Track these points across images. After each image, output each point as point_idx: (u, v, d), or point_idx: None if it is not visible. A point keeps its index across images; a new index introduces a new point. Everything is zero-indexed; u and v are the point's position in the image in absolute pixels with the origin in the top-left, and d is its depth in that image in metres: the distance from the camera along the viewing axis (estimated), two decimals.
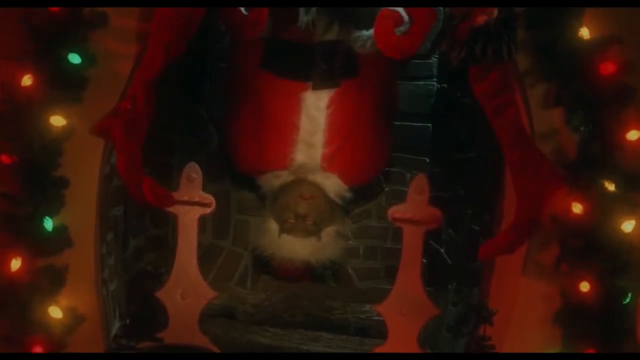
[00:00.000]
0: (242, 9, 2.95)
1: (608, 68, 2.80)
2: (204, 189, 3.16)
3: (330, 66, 3.36)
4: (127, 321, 3.34)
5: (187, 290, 3.19)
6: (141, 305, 3.41)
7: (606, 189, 2.83)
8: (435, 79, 3.74)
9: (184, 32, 2.77)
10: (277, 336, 3.46)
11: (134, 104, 2.80)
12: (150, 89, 2.81)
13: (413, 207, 3.11)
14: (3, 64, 2.91)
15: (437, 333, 3.54)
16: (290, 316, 3.59)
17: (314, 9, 3.16)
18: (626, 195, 2.82)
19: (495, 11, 2.59)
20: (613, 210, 2.81)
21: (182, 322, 3.18)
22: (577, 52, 2.81)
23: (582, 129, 2.86)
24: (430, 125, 3.78)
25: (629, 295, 2.84)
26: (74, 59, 2.91)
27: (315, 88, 3.38)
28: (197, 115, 3.84)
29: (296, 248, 3.53)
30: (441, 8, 3.14)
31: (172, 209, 3.14)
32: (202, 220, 3.23)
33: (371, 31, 3.05)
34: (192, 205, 3.15)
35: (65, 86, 2.94)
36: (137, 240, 3.66)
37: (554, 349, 2.91)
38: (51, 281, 3.00)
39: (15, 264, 2.96)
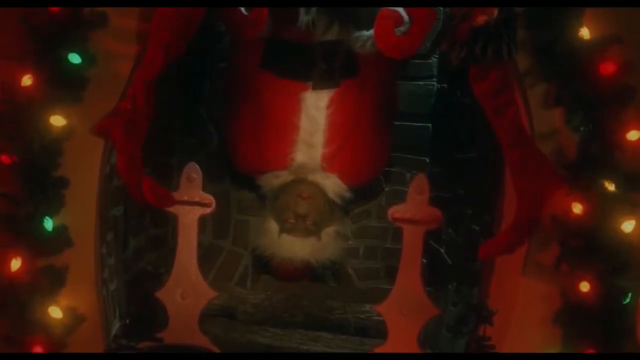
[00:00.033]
0: (242, 9, 2.95)
1: (608, 68, 2.80)
2: (204, 189, 3.16)
3: (330, 66, 3.36)
4: (127, 321, 3.34)
5: (187, 290, 3.19)
6: (141, 305, 3.41)
7: (606, 189, 2.83)
8: (435, 79, 3.74)
9: (184, 32, 2.77)
10: (277, 336, 3.46)
11: (134, 104, 2.80)
12: (150, 89, 2.81)
13: (413, 207, 3.11)
14: (3, 64, 2.91)
15: (437, 333, 3.54)
16: (290, 316, 3.59)
17: (314, 9, 3.16)
18: (626, 195, 2.82)
19: (495, 11, 2.59)
20: (613, 210, 2.81)
21: (182, 322, 3.18)
22: (577, 52, 2.81)
23: (582, 129, 2.86)
24: (430, 125, 3.78)
25: (629, 295, 2.84)
26: (74, 59, 2.91)
27: (315, 88, 3.37)
28: (197, 115, 3.84)
29: (296, 248, 3.53)
30: (441, 8, 3.14)
31: (172, 209, 3.14)
32: (202, 220, 3.23)
33: (371, 31, 3.05)
34: (192, 205, 3.15)
35: (65, 86, 2.94)
36: (137, 240, 3.66)
37: (554, 349, 2.91)
38: (51, 281, 3.00)
39: (15, 264, 2.96)
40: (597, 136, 2.84)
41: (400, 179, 3.76)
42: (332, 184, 3.49)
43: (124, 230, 3.48)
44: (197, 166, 3.16)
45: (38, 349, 2.97)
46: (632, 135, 2.82)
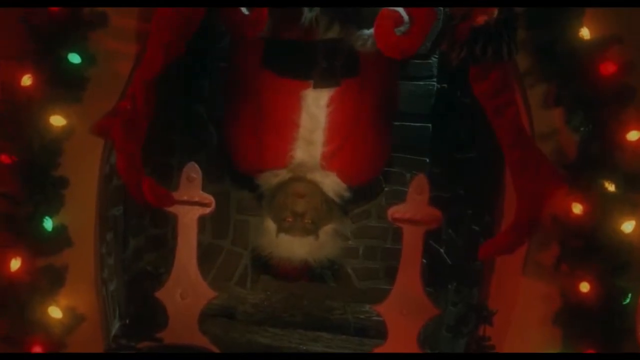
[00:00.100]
0: (243, 8, 2.95)
1: (608, 68, 2.80)
2: (204, 188, 3.16)
3: (331, 65, 3.36)
4: (127, 321, 3.34)
5: (186, 290, 3.18)
6: (141, 305, 3.40)
7: (606, 189, 2.83)
8: (435, 79, 3.74)
9: (184, 32, 2.77)
10: (276, 336, 3.46)
11: (133, 103, 2.80)
12: (150, 88, 2.81)
13: (413, 207, 3.11)
14: (3, 64, 2.91)
15: (437, 333, 3.53)
16: (289, 316, 3.59)
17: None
18: (626, 196, 2.82)
19: (495, 11, 2.58)
20: (613, 211, 2.81)
21: (182, 322, 3.17)
22: (577, 52, 2.80)
23: (582, 129, 2.86)
24: (430, 125, 3.78)
25: (629, 295, 2.84)
26: (74, 58, 2.91)
27: (316, 87, 3.38)
28: (197, 115, 3.84)
29: (294, 247, 3.52)
30: (441, 8, 3.13)
31: (171, 209, 3.14)
32: (202, 220, 3.23)
33: (372, 30, 3.05)
34: (192, 205, 3.15)
35: (65, 86, 2.94)
36: (137, 240, 3.66)
37: (554, 349, 2.91)
38: (51, 281, 3.00)
39: (15, 263, 2.96)
40: (597, 136, 2.83)
41: (400, 179, 3.75)
42: (331, 183, 3.49)
43: (123, 230, 3.48)
44: (197, 166, 3.16)
45: (38, 349, 2.97)
46: (632, 135, 2.82)
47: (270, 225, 3.56)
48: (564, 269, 2.88)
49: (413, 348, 3.13)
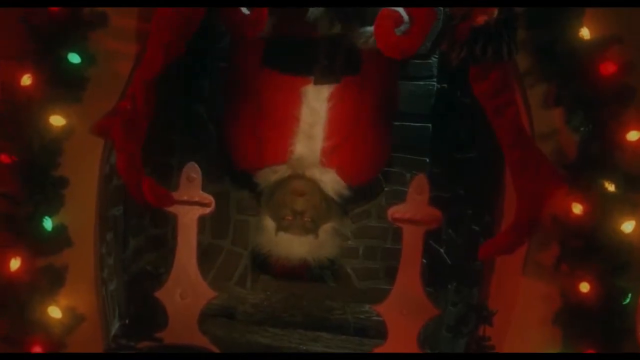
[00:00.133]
0: (243, 8, 2.95)
1: (608, 68, 2.80)
2: (204, 188, 3.16)
3: (332, 62, 3.36)
4: (127, 321, 3.35)
5: (186, 290, 3.18)
6: (141, 305, 3.40)
7: (606, 189, 2.83)
8: (435, 79, 3.74)
9: (184, 32, 2.77)
10: (276, 336, 3.46)
11: (133, 103, 2.80)
12: (150, 88, 2.81)
13: (413, 207, 3.10)
14: (3, 64, 2.91)
15: (437, 333, 3.53)
16: (289, 316, 3.58)
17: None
18: (626, 196, 2.82)
19: (495, 11, 2.58)
20: (613, 211, 2.81)
21: (182, 322, 3.17)
22: (577, 52, 2.81)
23: (582, 129, 2.86)
24: (430, 125, 3.77)
25: (629, 295, 2.84)
26: (74, 58, 2.91)
27: (316, 83, 3.38)
28: (197, 115, 3.84)
29: (293, 246, 3.52)
30: (441, 8, 3.14)
31: (171, 209, 3.14)
32: (202, 220, 3.22)
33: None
34: (192, 205, 3.15)
35: (65, 86, 2.94)
36: (137, 240, 3.66)
37: (554, 349, 2.91)
38: (51, 281, 3.00)
39: (15, 263, 2.96)
40: (597, 136, 2.83)
41: (400, 179, 3.75)
42: (331, 181, 3.48)
43: (123, 230, 3.48)
44: (197, 166, 3.15)
45: (37, 349, 2.97)
46: (632, 135, 2.82)
47: (269, 223, 3.55)
48: (564, 269, 2.88)
49: (413, 348, 3.12)
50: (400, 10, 2.90)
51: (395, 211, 3.14)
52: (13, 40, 2.91)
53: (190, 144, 3.78)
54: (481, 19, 2.58)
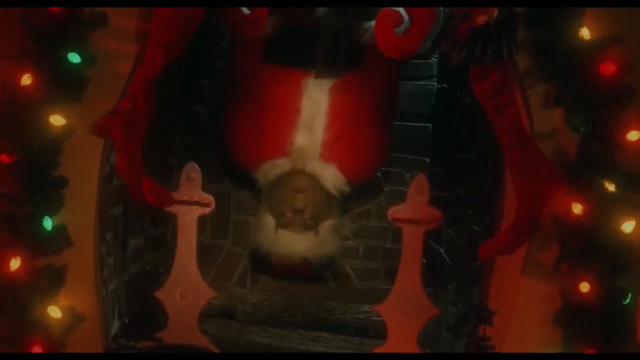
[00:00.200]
0: (243, 8, 2.96)
1: (608, 68, 2.80)
2: (204, 188, 3.16)
3: (334, 56, 3.36)
4: (127, 321, 3.35)
5: (186, 290, 3.18)
6: (140, 305, 3.41)
7: (606, 189, 2.83)
8: (435, 79, 3.75)
9: (184, 32, 2.77)
10: (276, 336, 3.46)
11: (133, 103, 2.80)
12: (150, 88, 2.81)
13: (413, 207, 3.10)
14: (3, 64, 2.91)
15: (437, 333, 3.53)
16: (289, 316, 3.58)
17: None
18: (626, 196, 2.82)
19: (495, 11, 2.58)
20: (613, 211, 2.81)
21: (182, 322, 3.17)
22: (577, 52, 2.80)
23: (582, 129, 2.85)
24: (430, 125, 3.78)
25: (629, 295, 2.84)
26: (74, 58, 2.91)
27: (317, 76, 3.38)
28: (197, 115, 3.84)
29: (294, 243, 3.50)
30: (441, 8, 3.14)
31: (171, 209, 3.14)
32: (202, 220, 3.22)
33: None
34: (192, 205, 3.15)
35: (65, 86, 2.94)
36: (137, 240, 3.66)
37: (554, 349, 2.91)
38: (50, 281, 3.00)
39: (15, 263, 2.96)
40: (597, 136, 2.83)
41: (400, 179, 3.76)
42: (331, 176, 3.47)
43: (123, 230, 3.48)
44: (197, 166, 3.15)
45: (37, 349, 2.96)
46: (632, 135, 2.81)
47: (269, 220, 3.54)
48: (564, 269, 2.88)
49: (413, 348, 3.12)
50: (401, 10, 2.90)
51: (395, 211, 3.14)
52: (13, 40, 2.91)
53: (190, 144, 3.78)
54: (481, 19, 2.58)
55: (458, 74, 2.99)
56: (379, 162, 3.67)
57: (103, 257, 3.21)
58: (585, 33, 2.80)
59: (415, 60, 3.67)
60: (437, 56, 3.69)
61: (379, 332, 3.31)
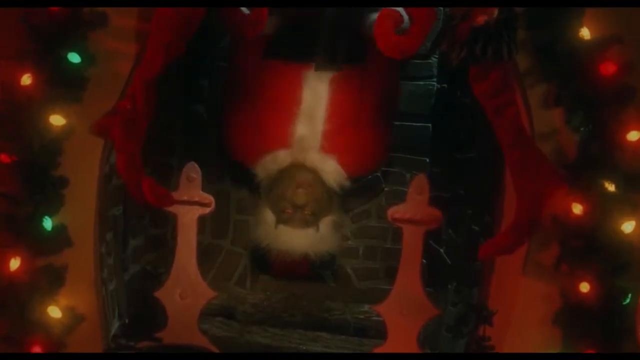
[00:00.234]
0: (243, 8, 2.96)
1: (608, 68, 2.80)
2: (204, 188, 3.16)
3: (335, 49, 3.36)
4: (126, 321, 3.35)
5: (186, 290, 3.18)
6: (140, 305, 3.41)
7: (606, 189, 2.83)
8: (435, 79, 3.74)
9: (184, 32, 2.77)
10: (276, 336, 3.46)
11: (133, 103, 2.80)
12: (150, 88, 2.81)
13: (413, 207, 3.10)
14: (3, 64, 2.91)
15: (437, 333, 3.53)
16: (289, 316, 3.58)
17: None
18: (626, 196, 2.82)
19: (495, 11, 2.58)
20: (613, 211, 2.81)
21: (181, 322, 3.17)
22: (577, 52, 2.81)
23: (582, 129, 2.86)
24: (430, 125, 3.77)
25: (629, 295, 2.84)
26: (74, 58, 2.92)
27: (317, 69, 3.38)
28: (197, 115, 3.84)
29: (294, 240, 3.48)
30: (441, 8, 3.14)
31: (171, 209, 3.14)
32: (202, 220, 3.22)
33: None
34: (192, 205, 3.15)
35: (65, 86, 2.94)
36: (137, 240, 3.66)
37: (554, 349, 2.91)
38: (50, 281, 3.00)
39: (15, 263, 2.96)
40: (597, 136, 2.84)
41: (400, 179, 3.75)
42: (331, 170, 3.45)
43: (123, 229, 3.48)
44: (196, 166, 3.15)
45: (37, 349, 2.97)
46: (632, 135, 2.82)
47: (269, 216, 3.52)
48: (564, 269, 2.88)
49: (413, 348, 3.12)
50: (400, 10, 2.90)
51: (395, 211, 3.14)
52: (13, 40, 2.91)
53: (190, 144, 3.78)
54: (481, 19, 2.58)
55: (458, 74, 2.98)
56: (379, 156, 3.65)
57: (103, 257, 3.21)
58: (585, 33, 2.80)
59: (415, 60, 3.66)
60: (437, 56, 3.69)
61: (379, 332, 3.31)
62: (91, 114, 2.96)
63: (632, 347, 2.82)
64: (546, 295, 2.93)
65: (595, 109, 2.82)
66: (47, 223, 2.97)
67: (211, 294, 3.21)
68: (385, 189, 3.80)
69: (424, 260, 3.21)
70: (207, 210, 3.17)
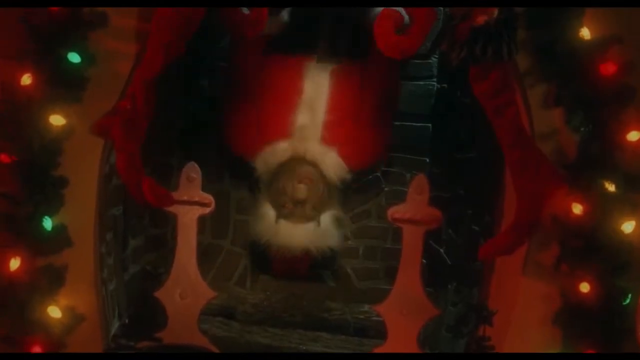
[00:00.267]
0: (243, 8, 2.96)
1: (608, 68, 2.80)
2: (204, 188, 3.16)
3: (337, 41, 3.36)
4: (126, 321, 3.35)
5: (186, 290, 3.18)
6: (140, 305, 3.41)
7: (606, 189, 2.83)
8: (435, 79, 3.74)
9: (184, 32, 2.78)
10: (276, 336, 3.46)
11: (133, 103, 2.80)
12: (150, 88, 2.81)
13: (413, 207, 3.10)
14: (3, 64, 2.91)
15: (437, 333, 3.53)
16: (289, 316, 3.57)
17: None
18: (626, 196, 2.82)
19: (495, 11, 2.59)
20: (613, 211, 2.81)
21: (181, 322, 3.17)
22: (577, 52, 2.81)
23: (582, 129, 2.86)
24: (430, 125, 3.77)
25: (629, 295, 2.84)
26: (74, 58, 2.92)
27: (319, 61, 3.38)
28: (197, 115, 3.83)
29: (294, 235, 3.47)
30: (441, 8, 3.14)
31: (171, 209, 3.14)
32: (202, 220, 3.22)
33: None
34: (192, 205, 3.15)
35: (65, 86, 2.94)
36: (137, 240, 3.66)
37: (554, 349, 2.91)
38: (50, 281, 3.00)
39: (15, 263, 2.96)
40: (597, 136, 2.84)
41: (400, 179, 3.75)
42: (332, 163, 3.44)
43: (123, 229, 3.48)
44: (196, 166, 3.15)
45: (37, 349, 2.97)
46: (632, 135, 2.82)
47: (269, 211, 3.51)
48: (564, 269, 2.88)
49: (413, 348, 3.12)
50: (401, 10, 2.90)
51: (395, 211, 3.14)
52: (13, 40, 2.91)
53: (190, 144, 3.77)
54: (481, 19, 2.58)
55: (458, 74, 2.98)
56: (380, 149, 3.64)
57: (103, 257, 3.21)
58: (585, 33, 2.80)
59: (415, 60, 3.66)
60: (437, 56, 3.69)
61: (379, 332, 3.31)
62: (91, 114, 2.96)
63: (632, 347, 2.82)
64: (546, 295, 2.93)
65: (595, 109, 2.82)
66: (47, 223, 2.97)
67: (211, 294, 3.21)
68: (385, 189, 3.80)
69: (424, 260, 3.21)
70: (207, 210, 3.17)
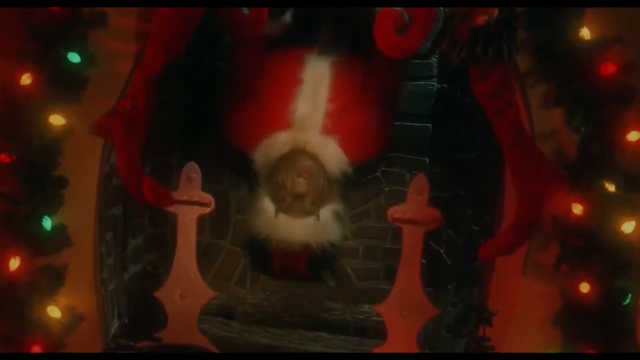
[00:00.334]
0: (243, 8, 2.96)
1: (608, 68, 2.80)
2: (204, 188, 3.16)
3: (338, 33, 3.36)
4: (126, 321, 3.35)
5: (186, 290, 3.18)
6: (140, 305, 3.41)
7: (606, 189, 2.83)
8: (435, 79, 3.73)
9: (184, 31, 2.78)
10: (276, 336, 3.46)
11: (133, 103, 2.81)
12: (150, 88, 2.81)
13: (413, 207, 3.10)
14: (3, 63, 2.91)
15: (437, 333, 3.53)
16: (289, 316, 3.57)
17: None
18: (626, 196, 2.82)
19: (495, 11, 2.59)
20: (613, 211, 2.81)
21: (181, 322, 3.17)
22: (577, 52, 2.81)
23: (582, 129, 2.86)
24: (430, 125, 3.77)
25: (629, 295, 2.84)
26: (74, 58, 2.92)
27: (320, 53, 3.39)
28: (197, 115, 3.83)
29: (294, 229, 3.45)
30: (441, 8, 3.14)
31: (171, 209, 3.14)
32: (201, 219, 3.22)
33: None
34: (192, 204, 3.15)
35: (64, 85, 2.95)
36: (137, 240, 3.66)
37: (554, 349, 2.91)
38: (50, 280, 3.00)
39: (14, 263, 2.96)
40: (597, 136, 2.84)
41: (400, 179, 3.74)
42: (332, 155, 3.42)
43: (123, 229, 3.48)
44: (196, 166, 3.15)
45: (37, 349, 2.97)
46: (633, 135, 2.82)
47: (268, 205, 3.49)
48: (564, 269, 2.88)
49: (413, 348, 3.12)
50: (401, 10, 2.90)
51: (395, 211, 3.13)
52: (13, 40, 2.92)
53: (190, 144, 3.77)
54: (481, 19, 2.58)
55: (458, 74, 2.98)
56: (380, 141, 3.63)
57: (103, 257, 3.21)
58: (585, 33, 2.81)
59: (415, 60, 3.65)
60: (437, 56, 3.68)
61: (379, 332, 3.31)
62: (91, 114, 2.96)
63: (632, 347, 2.82)
64: (546, 295, 2.93)
65: (595, 109, 2.83)
66: (47, 223, 2.97)
67: (211, 294, 3.21)
68: (385, 189, 3.80)
69: (424, 261, 3.21)
70: (207, 210, 3.17)
